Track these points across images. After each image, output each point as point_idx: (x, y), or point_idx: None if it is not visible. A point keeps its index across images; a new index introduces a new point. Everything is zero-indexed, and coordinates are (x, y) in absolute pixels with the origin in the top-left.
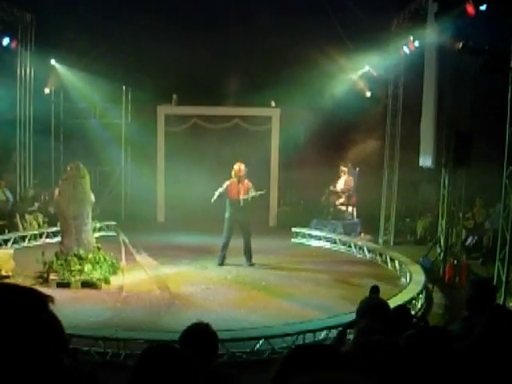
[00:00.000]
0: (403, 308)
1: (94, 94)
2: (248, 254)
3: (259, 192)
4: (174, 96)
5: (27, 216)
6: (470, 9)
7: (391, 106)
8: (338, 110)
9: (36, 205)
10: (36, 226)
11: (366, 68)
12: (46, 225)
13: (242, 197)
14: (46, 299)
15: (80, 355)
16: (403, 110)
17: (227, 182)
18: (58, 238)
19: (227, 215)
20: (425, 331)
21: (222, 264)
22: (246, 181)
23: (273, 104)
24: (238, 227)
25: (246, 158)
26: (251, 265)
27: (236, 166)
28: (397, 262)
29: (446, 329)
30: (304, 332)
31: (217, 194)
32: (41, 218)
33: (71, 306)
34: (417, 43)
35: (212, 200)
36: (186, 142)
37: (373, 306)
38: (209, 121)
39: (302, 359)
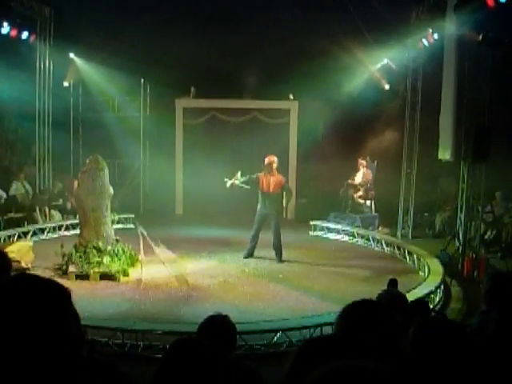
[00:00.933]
0: (421, 302)
1: (112, 87)
2: (277, 250)
3: (245, 186)
4: (192, 89)
5: (47, 209)
6: (490, 1)
7: (410, 99)
8: (356, 103)
9: (61, 201)
10: (57, 218)
11: (385, 61)
12: (65, 216)
13: (227, 181)
14: (68, 291)
15: (99, 347)
16: (422, 102)
17: (259, 174)
18: (77, 231)
19: (258, 207)
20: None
21: (247, 257)
22: (280, 175)
23: (291, 97)
24: (267, 220)
25: (264, 151)
26: (280, 261)
27: (266, 159)
28: (415, 256)
29: (462, 323)
30: (321, 325)
31: (240, 178)
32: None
33: (90, 298)
34: (436, 35)
35: (226, 181)
36: (204, 135)
37: (390, 299)
38: (227, 114)
39: (315, 351)
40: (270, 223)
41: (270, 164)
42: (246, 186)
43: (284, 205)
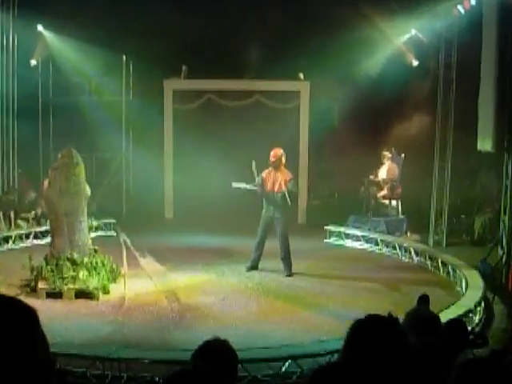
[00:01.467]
0: (458, 322)
1: (88, 66)
2: (285, 260)
3: (251, 186)
4: (184, 68)
5: (12, 214)
6: None
7: (443, 78)
8: (379, 83)
9: (35, 212)
10: (24, 226)
11: (413, 32)
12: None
13: (233, 184)
14: (34, 312)
15: (74, 378)
16: (458, 82)
17: (263, 173)
18: (48, 239)
19: (263, 211)
20: (481, 363)
21: (251, 269)
22: (287, 172)
23: (301, 76)
24: (274, 225)
25: (269, 142)
26: (289, 275)
27: (272, 153)
28: (450, 267)
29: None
30: (339, 351)
31: (244, 186)
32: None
33: (63, 320)
34: (473, 0)
35: (233, 184)
36: (198, 123)
37: (420, 320)
38: (225, 97)
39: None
40: (276, 230)
41: (278, 159)
42: (253, 188)
43: (283, 193)
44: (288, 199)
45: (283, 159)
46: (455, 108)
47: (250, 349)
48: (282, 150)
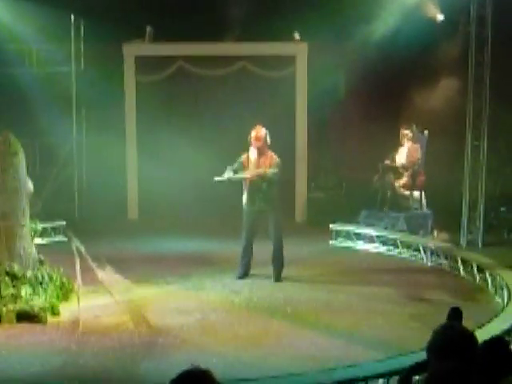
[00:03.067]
0: (499, 341)
1: (27, 29)
2: (276, 262)
3: (238, 175)
4: (149, 28)
5: None
6: None
7: (475, 36)
8: (394, 43)
9: None
10: None
11: None
12: None
13: (216, 178)
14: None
15: None
16: (493, 40)
17: (242, 157)
18: None
19: (245, 205)
20: None
21: (242, 276)
22: (270, 153)
23: (297, 37)
24: (263, 222)
25: (258, 120)
26: (277, 280)
27: (253, 132)
28: (488, 274)
29: None
30: (351, 381)
31: (226, 175)
32: None
33: (3, 350)
34: None
35: (216, 179)
36: (168, 98)
37: (452, 339)
38: (201, 65)
39: None
40: (268, 224)
41: (259, 139)
42: (239, 176)
43: (246, 175)
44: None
45: (268, 139)
46: (491, 74)
47: (238, 381)
48: (264, 130)
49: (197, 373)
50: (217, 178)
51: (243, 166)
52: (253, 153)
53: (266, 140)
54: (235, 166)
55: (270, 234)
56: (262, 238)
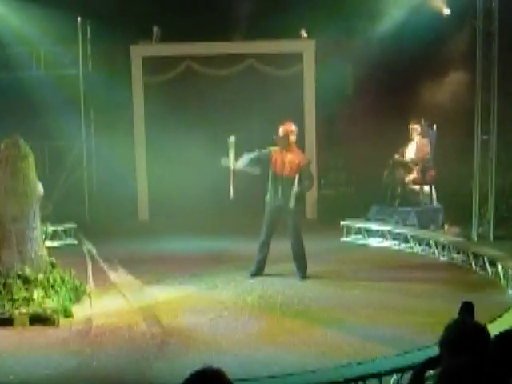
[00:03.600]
0: (510, 336)
1: (35, 32)
2: (299, 261)
3: (251, 170)
4: (156, 29)
5: None
6: None
7: (482, 29)
8: (402, 38)
9: None
10: None
11: None
12: None
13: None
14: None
15: None
16: (501, 33)
17: (271, 148)
18: None
19: (267, 199)
20: None
21: (255, 274)
22: (300, 152)
23: (304, 34)
24: (283, 219)
25: (267, 118)
26: (304, 278)
27: (281, 128)
28: (499, 267)
29: None
30: (364, 377)
31: (246, 158)
32: None
33: (16, 353)
34: None
35: (222, 162)
36: (176, 98)
37: (464, 334)
38: (209, 64)
39: None
40: (287, 222)
41: (287, 135)
42: (252, 170)
43: (293, 193)
44: (293, 195)
45: (292, 137)
46: (499, 67)
47: (251, 379)
48: (294, 126)
49: (209, 372)
50: (224, 163)
51: (270, 158)
52: (281, 148)
53: (288, 136)
54: (258, 153)
55: (288, 234)
56: (277, 236)
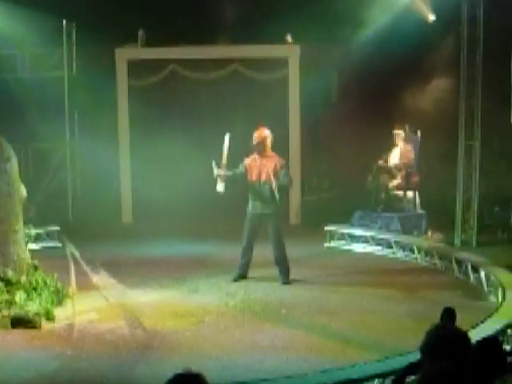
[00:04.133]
0: (492, 341)
1: (19, 34)
2: (281, 265)
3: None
4: (141, 32)
5: None
6: None
7: (467, 36)
8: (387, 44)
9: None
10: None
11: None
12: None
13: (215, 168)
14: None
15: None
16: (486, 41)
17: (246, 160)
18: None
19: (248, 207)
20: None
21: (237, 279)
22: (276, 157)
23: (289, 39)
24: (264, 226)
25: (251, 122)
26: (286, 283)
27: (255, 134)
28: (482, 273)
29: None
30: (345, 383)
31: (221, 174)
32: None
33: None
34: None
35: (218, 188)
36: (161, 102)
37: (445, 339)
38: (193, 68)
39: None
40: (267, 228)
41: (263, 141)
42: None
43: (274, 186)
44: (276, 195)
45: (268, 142)
46: (483, 74)
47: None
48: (267, 131)
49: (189, 376)
50: (214, 168)
51: (246, 170)
52: (255, 155)
53: (264, 142)
54: (233, 173)
55: (270, 239)
56: (260, 241)
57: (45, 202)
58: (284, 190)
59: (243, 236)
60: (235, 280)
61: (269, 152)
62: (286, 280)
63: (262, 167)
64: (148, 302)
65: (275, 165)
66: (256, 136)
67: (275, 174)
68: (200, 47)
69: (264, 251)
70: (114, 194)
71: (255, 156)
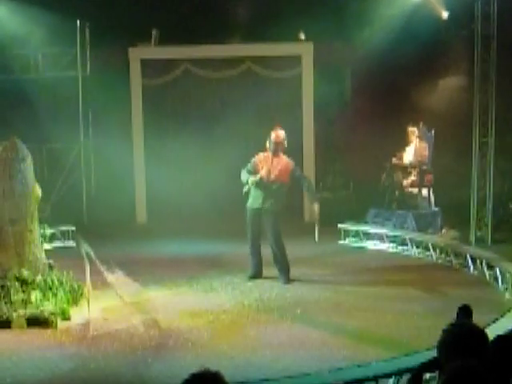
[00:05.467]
0: (509, 339)
1: (32, 34)
2: (280, 264)
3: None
4: (154, 32)
5: None
6: None
7: (481, 33)
8: (400, 42)
9: None
10: None
11: None
12: None
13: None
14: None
15: None
16: (499, 37)
17: (258, 157)
18: None
19: (248, 203)
20: None
21: (253, 277)
22: (285, 158)
23: (302, 37)
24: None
25: (264, 122)
26: (286, 283)
27: (273, 134)
28: (498, 270)
29: None
30: (361, 380)
31: (246, 178)
32: None
33: (13, 355)
34: None
35: (245, 189)
36: (174, 101)
37: (462, 337)
38: (207, 67)
39: None
40: (266, 226)
41: (280, 143)
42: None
43: (315, 209)
44: (312, 195)
45: (285, 143)
46: (497, 70)
47: (248, 382)
48: (282, 131)
49: (207, 375)
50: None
51: (256, 167)
52: (268, 154)
53: (283, 143)
54: (248, 166)
55: (267, 237)
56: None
57: (59, 201)
58: (311, 187)
59: (248, 235)
60: (250, 278)
61: (282, 153)
62: (286, 280)
63: (273, 167)
64: (163, 300)
65: (286, 166)
66: (275, 137)
67: (284, 175)
68: (213, 46)
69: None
70: (129, 193)
71: (269, 155)
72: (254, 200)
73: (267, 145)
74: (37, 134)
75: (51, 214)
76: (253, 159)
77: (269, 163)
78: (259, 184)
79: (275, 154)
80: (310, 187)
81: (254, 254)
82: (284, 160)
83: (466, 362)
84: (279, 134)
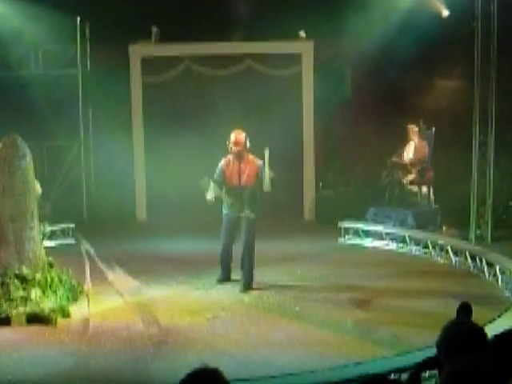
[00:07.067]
0: (508, 337)
1: (33, 31)
2: (246, 270)
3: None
4: (155, 29)
5: None
6: None
7: (481, 31)
8: (400, 39)
9: None
10: None
11: None
12: None
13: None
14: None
15: None
16: (500, 35)
17: (221, 162)
18: None
19: (224, 212)
20: None
21: (223, 280)
22: (251, 157)
23: (302, 35)
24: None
25: (264, 119)
26: (245, 290)
27: (232, 136)
28: (497, 268)
29: None
30: (361, 377)
31: (210, 189)
32: None
33: (13, 352)
34: None
35: (208, 199)
36: (175, 98)
37: (461, 335)
38: (207, 64)
39: None
40: (241, 228)
41: (239, 143)
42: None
43: (265, 188)
44: (268, 188)
45: (247, 145)
46: (498, 69)
47: (248, 380)
48: (244, 133)
49: (207, 372)
50: (209, 197)
51: (223, 174)
52: (232, 158)
53: (245, 144)
54: (215, 175)
55: (240, 239)
56: (273, 238)
57: (59, 199)
58: (274, 183)
59: (221, 240)
60: (219, 282)
61: (247, 155)
62: (247, 286)
63: (241, 171)
64: (163, 298)
65: (256, 167)
66: (235, 140)
67: (256, 176)
68: (213, 43)
69: (279, 247)
70: (129, 190)
71: (231, 158)
72: (231, 209)
73: (229, 148)
74: (37, 132)
75: (51, 212)
76: (219, 165)
77: (236, 168)
78: (231, 192)
79: (238, 157)
80: (264, 180)
81: (225, 259)
82: (252, 162)
83: (469, 359)
84: (239, 136)
